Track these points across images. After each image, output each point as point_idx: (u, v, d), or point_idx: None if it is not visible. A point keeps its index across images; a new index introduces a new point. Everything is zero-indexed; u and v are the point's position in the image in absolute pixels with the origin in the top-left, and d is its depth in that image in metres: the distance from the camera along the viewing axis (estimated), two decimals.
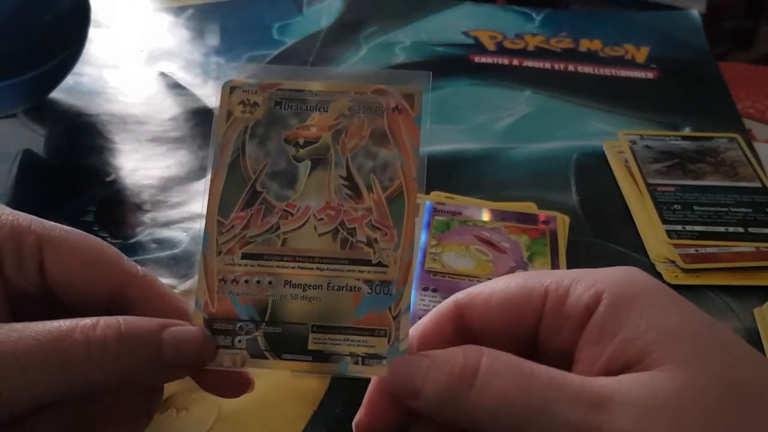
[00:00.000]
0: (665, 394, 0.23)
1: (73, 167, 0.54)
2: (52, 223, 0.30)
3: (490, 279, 0.29)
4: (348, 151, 0.30)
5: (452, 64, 0.68)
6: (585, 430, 0.23)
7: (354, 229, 0.29)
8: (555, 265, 0.45)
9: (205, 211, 0.29)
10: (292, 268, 0.29)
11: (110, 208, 0.50)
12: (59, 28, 0.53)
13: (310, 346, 0.28)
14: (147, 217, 0.49)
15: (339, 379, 0.38)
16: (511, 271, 0.44)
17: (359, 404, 0.28)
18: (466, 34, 0.73)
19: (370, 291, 0.29)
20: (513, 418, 0.24)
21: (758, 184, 0.52)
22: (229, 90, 0.30)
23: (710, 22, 0.72)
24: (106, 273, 0.30)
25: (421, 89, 0.30)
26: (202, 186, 0.30)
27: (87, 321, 0.26)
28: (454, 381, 0.25)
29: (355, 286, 0.29)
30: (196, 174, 0.54)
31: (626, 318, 0.25)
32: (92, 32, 0.58)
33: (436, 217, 0.48)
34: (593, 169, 0.55)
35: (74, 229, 0.30)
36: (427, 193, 0.51)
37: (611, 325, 0.25)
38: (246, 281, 0.29)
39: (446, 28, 0.74)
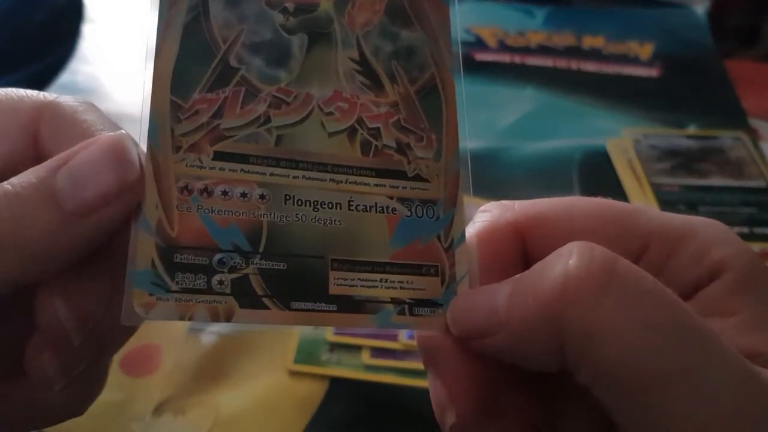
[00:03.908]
0: None
1: None
2: None
3: None
4: (359, 28, 0.22)
5: None
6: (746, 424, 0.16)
7: (377, 129, 0.22)
8: None
9: (149, 87, 0.20)
10: (295, 177, 0.20)
11: None
12: (53, 25, 0.53)
13: (332, 290, 0.20)
14: None
15: (339, 382, 0.37)
16: None
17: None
18: (467, 31, 0.72)
19: (409, 213, 0.21)
20: (648, 367, 0.16)
21: (763, 184, 0.52)
22: None
23: (715, 19, 0.72)
24: (7, 114, 0.22)
25: None
26: None
27: None
28: (573, 284, 0.17)
29: (387, 207, 0.21)
30: None
31: (747, 302, 0.20)
32: (86, 29, 0.58)
33: None
34: (596, 167, 0.55)
35: None
36: None
37: (727, 305, 0.20)
38: (224, 193, 0.20)
39: None
